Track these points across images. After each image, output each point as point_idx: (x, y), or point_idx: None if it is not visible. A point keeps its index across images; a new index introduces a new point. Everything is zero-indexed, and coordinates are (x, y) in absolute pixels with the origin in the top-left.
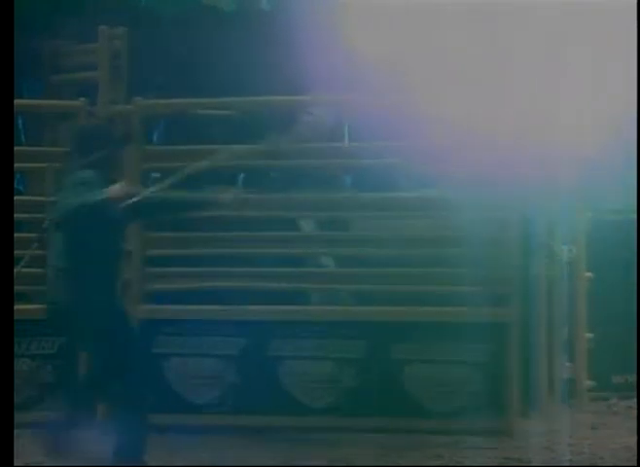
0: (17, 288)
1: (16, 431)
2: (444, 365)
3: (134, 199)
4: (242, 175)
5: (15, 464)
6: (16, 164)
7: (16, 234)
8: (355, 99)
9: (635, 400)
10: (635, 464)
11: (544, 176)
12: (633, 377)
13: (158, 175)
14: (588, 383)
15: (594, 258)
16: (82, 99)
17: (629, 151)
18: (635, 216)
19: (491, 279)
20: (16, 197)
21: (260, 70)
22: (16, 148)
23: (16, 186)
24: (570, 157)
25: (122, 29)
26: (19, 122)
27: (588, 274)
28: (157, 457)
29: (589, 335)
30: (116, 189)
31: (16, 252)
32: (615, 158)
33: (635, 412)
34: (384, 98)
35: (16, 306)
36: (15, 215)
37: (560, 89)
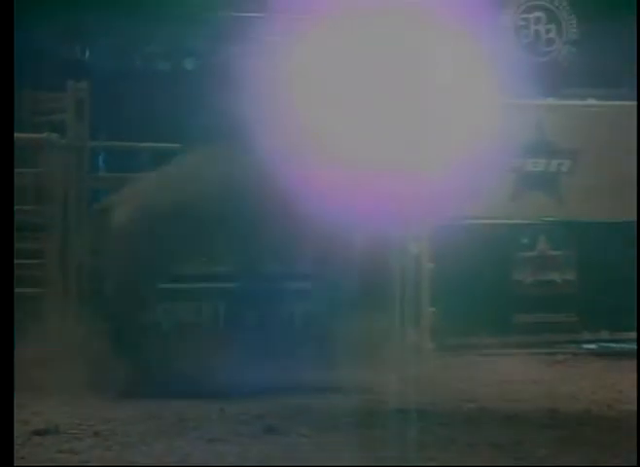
0: None
1: None
2: None
3: None
4: None
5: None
6: None
7: None
8: None
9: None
10: (635, 464)
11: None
12: (463, 340)
13: None
14: (430, 345)
15: (437, 252)
16: (54, 134)
17: (478, 160)
18: None
19: None
20: None
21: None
22: None
23: None
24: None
25: (84, 82)
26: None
27: (431, 265)
28: None
29: (432, 309)
30: None
31: None
32: (465, 168)
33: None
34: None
35: None
36: None
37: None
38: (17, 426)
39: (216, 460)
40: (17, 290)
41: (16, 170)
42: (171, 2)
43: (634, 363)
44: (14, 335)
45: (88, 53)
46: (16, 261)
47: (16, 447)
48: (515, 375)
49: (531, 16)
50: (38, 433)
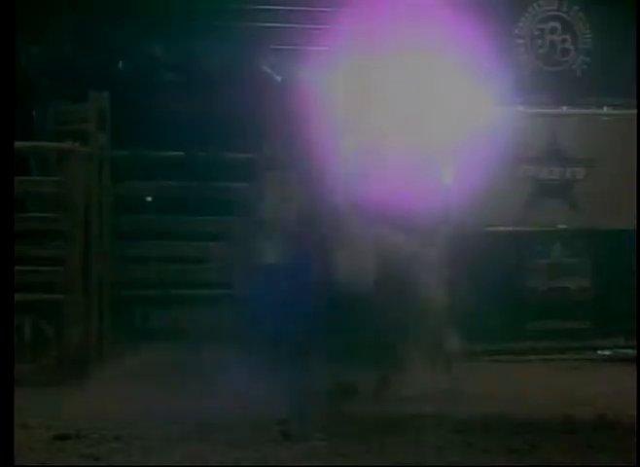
0: None
1: None
2: None
3: None
4: None
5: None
6: None
7: None
8: None
9: None
10: (635, 464)
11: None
12: (479, 346)
13: None
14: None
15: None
16: (76, 143)
17: (495, 168)
18: None
19: None
20: None
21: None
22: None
23: None
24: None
25: (106, 93)
26: (32, 159)
27: (447, 271)
28: None
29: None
30: None
31: None
32: (482, 175)
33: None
34: None
35: None
36: None
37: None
38: (38, 431)
39: (234, 465)
40: (37, 296)
41: (39, 178)
42: (194, 13)
43: None
44: (13, 338)
45: (111, 63)
46: (38, 267)
47: (37, 452)
48: (530, 381)
49: (547, 26)
50: (59, 437)
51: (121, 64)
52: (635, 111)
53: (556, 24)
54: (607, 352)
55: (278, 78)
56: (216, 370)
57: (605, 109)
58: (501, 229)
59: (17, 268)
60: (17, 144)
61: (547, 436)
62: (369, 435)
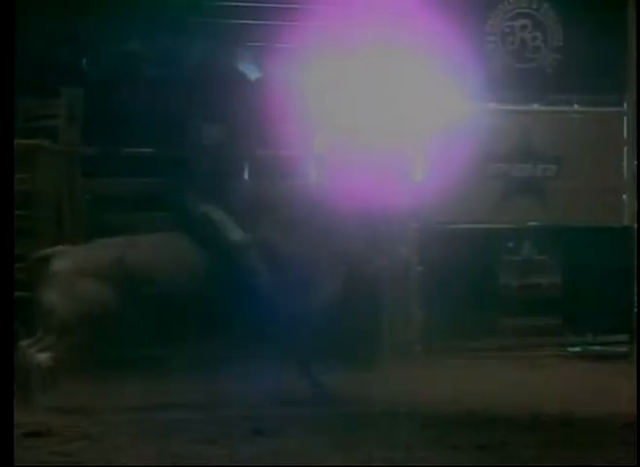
0: None
1: None
2: None
3: None
4: None
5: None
6: None
7: None
8: None
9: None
10: (635, 464)
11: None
12: (450, 343)
13: None
14: (419, 347)
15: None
16: (46, 140)
17: (465, 165)
18: None
19: None
20: None
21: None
22: None
23: None
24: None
25: (78, 89)
26: None
27: (420, 269)
28: None
29: (420, 312)
30: None
31: None
32: (452, 172)
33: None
34: None
35: None
36: None
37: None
38: None
39: (206, 462)
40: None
41: None
42: (166, 7)
43: (618, 365)
44: (13, 337)
45: (81, 59)
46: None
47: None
48: (500, 377)
49: (517, 23)
50: (30, 435)
51: (92, 60)
52: (605, 108)
53: (527, 22)
54: (577, 349)
55: (252, 75)
56: (191, 365)
57: (576, 106)
58: (472, 226)
59: None
60: None
61: (516, 432)
62: (338, 431)
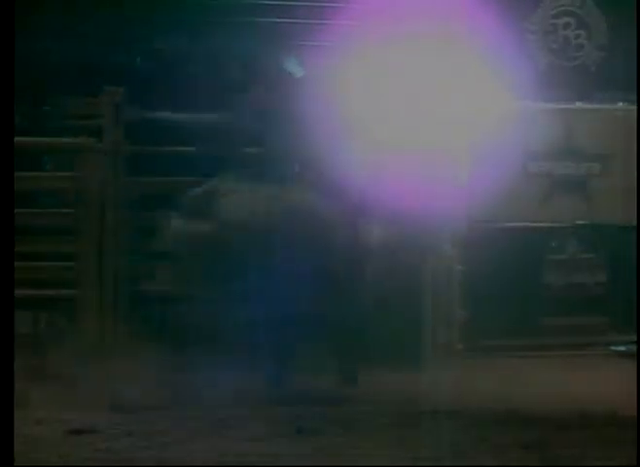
0: None
1: None
2: None
3: None
4: None
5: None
6: None
7: None
8: None
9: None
10: (635, 464)
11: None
12: (493, 342)
13: None
14: (461, 346)
15: (468, 255)
16: (91, 139)
17: (509, 164)
18: None
19: None
20: None
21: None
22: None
23: None
24: (444, 174)
25: (120, 88)
26: (46, 156)
27: (461, 267)
28: None
29: (462, 311)
30: None
31: None
32: (496, 171)
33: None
34: None
35: None
36: None
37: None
38: (53, 425)
39: (252, 460)
40: (53, 292)
41: (53, 174)
42: (211, 7)
43: None
44: (13, 337)
45: (126, 58)
46: (52, 263)
47: (53, 446)
48: (544, 376)
49: (560, 21)
50: (74, 432)
51: (136, 60)
52: None
53: (570, 19)
54: (621, 348)
55: (298, 74)
56: (231, 366)
57: (620, 104)
58: (516, 225)
59: (32, 264)
60: (32, 140)
61: (559, 431)
62: (384, 430)
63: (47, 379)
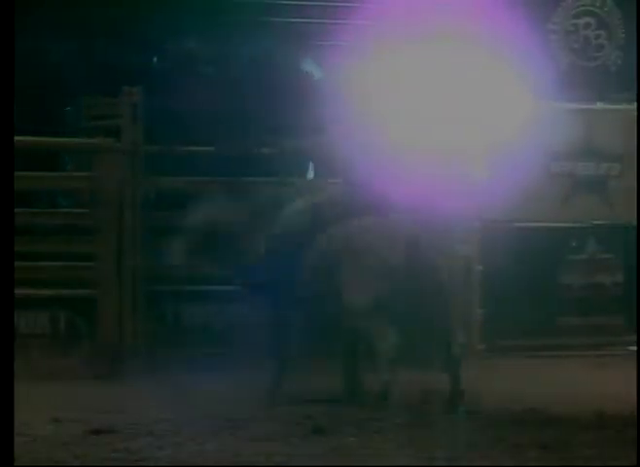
0: None
1: None
2: None
3: None
4: None
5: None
6: None
7: None
8: None
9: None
10: (635, 464)
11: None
12: (512, 342)
13: None
14: (480, 347)
15: (487, 255)
16: (109, 139)
17: (529, 163)
18: None
19: None
20: None
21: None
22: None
23: None
24: (463, 174)
25: (138, 88)
26: (65, 156)
27: (480, 267)
28: None
29: (481, 310)
30: None
31: None
32: (516, 171)
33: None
34: None
35: None
36: None
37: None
38: (71, 425)
39: (265, 460)
40: (71, 292)
41: (72, 174)
42: (228, 7)
43: None
44: (13, 337)
45: (143, 58)
46: (71, 263)
47: (70, 446)
48: (562, 376)
49: (581, 21)
50: (93, 432)
51: (154, 59)
52: None
53: (590, 19)
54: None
55: (315, 74)
56: (246, 365)
57: None
58: (536, 225)
59: (51, 264)
60: (51, 140)
61: (578, 431)
62: (400, 430)
63: (65, 379)
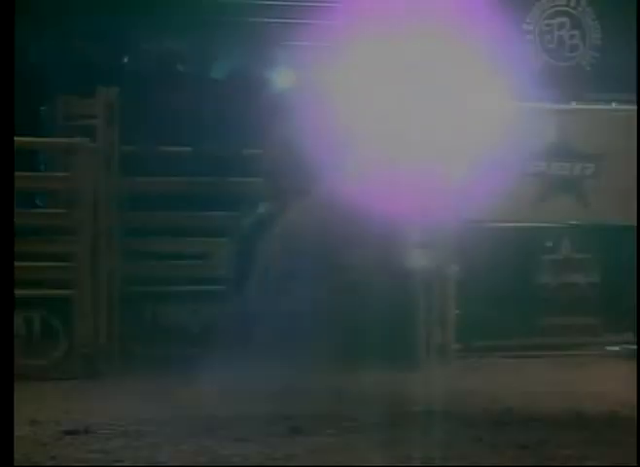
0: None
1: None
2: None
3: None
4: None
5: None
6: None
7: None
8: None
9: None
10: (635, 464)
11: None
12: (487, 342)
13: None
14: (456, 347)
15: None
16: (85, 139)
17: (503, 163)
18: None
19: None
20: None
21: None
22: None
23: None
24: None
25: (114, 88)
26: (40, 156)
27: (456, 267)
28: None
29: (457, 311)
30: None
31: None
32: (490, 171)
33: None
34: None
35: None
36: None
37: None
38: (47, 426)
39: (242, 460)
40: (47, 292)
41: (47, 174)
42: (202, 8)
43: None
44: (13, 336)
45: (119, 58)
46: (47, 264)
47: (47, 447)
48: (539, 376)
49: (555, 21)
50: (69, 433)
51: (129, 59)
52: None
53: (565, 20)
54: (616, 348)
55: (287, 75)
56: (222, 366)
57: (614, 105)
58: (510, 225)
59: (26, 264)
60: (26, 140)
61: (556, 431)
62: (377, 430)
63: (41, 380)
